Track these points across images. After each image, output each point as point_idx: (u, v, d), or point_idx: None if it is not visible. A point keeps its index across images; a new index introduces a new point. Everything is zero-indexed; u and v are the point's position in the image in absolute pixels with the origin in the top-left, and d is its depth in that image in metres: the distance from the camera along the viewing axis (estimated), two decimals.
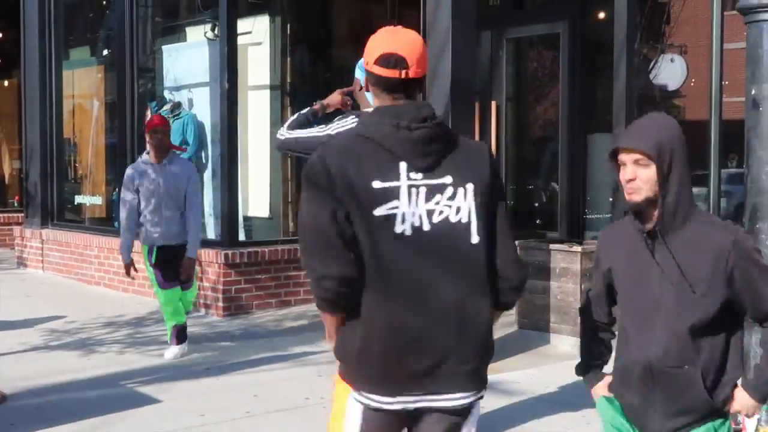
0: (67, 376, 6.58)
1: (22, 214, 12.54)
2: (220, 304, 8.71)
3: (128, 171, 7.19)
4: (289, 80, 10.67)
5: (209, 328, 8.21)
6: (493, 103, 9.05)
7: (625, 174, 2.88)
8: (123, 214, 7.15)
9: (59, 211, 11.61)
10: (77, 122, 12.17)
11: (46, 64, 11.52)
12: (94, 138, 11.84)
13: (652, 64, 9.09)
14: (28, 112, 11.82)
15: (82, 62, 12.23)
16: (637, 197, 2.86)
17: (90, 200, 11.75)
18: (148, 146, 7.08)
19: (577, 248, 7.39)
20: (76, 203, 11.88)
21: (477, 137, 7.73)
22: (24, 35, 11.87)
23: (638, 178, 2.85)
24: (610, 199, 8.37)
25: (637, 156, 2.84)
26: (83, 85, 12.11)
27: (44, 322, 8.38)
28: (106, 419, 5.56)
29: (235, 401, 5.96)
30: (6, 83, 15.79)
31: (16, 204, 14.67)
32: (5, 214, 14.19)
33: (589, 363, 3.27)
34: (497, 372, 6.80)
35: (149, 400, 6.00)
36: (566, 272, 7.42)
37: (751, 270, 2.85)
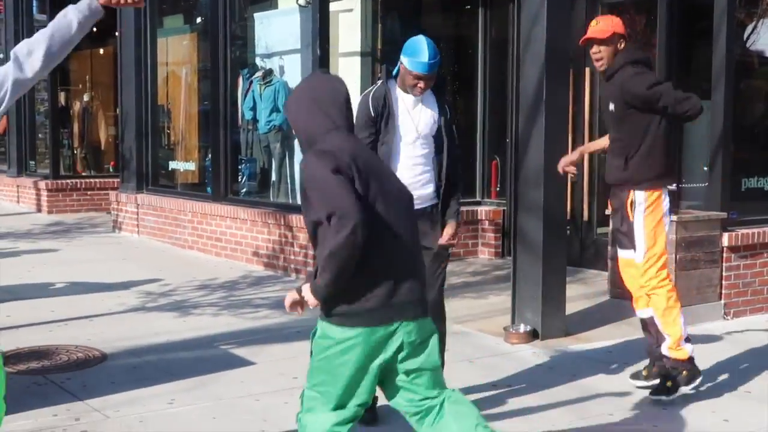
0: (163, 337, 6.74)
1: (118, 179, 12.81)
2: (310, 269, 8.80)
3: None
4: (379, 47, 10.66)
5: None
6: (587, 70, 8.89)
7: None
8: None
9: (154, 177, 11.82)
10: (171, 89, 12.35)
11: (141, 32, 11.70)
12: (187, 105, 12.02)
13: (749, 29, 8.82)
14: (123, 80, 12.04)
15: (175, 30, 12.40)
16: None
17: (183, 166, 11.95)
18: None
19: (673, 217, 7.24)
20: (170, 169, 12.09)
21: (571, 105, 7.60)
22: None
23: None
24: (705, 168, 8.18)
25: None
26: (177, 53, 12.28)
27: (140, 284, 8.58)
28: (201, 380, 5.68)
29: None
30: (102, 52, 16.10)
31: (111, 169, 14.99)
32: (101, 179, 14.51)
33: None
34: (588, 341, 6.76)
35: (243, 362, 6.10)
36: None
37: None
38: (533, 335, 6.71)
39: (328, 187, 3.28)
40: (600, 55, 5.44)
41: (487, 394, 5.52)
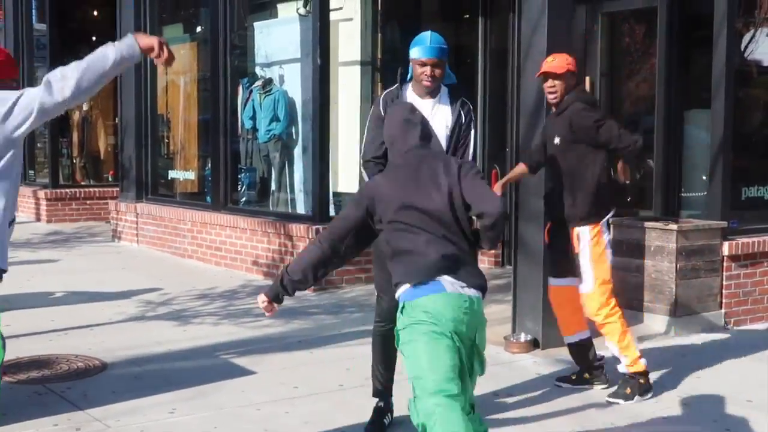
0: (163, 346, 6.73)
1: (117, 189, 12.80)
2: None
3: None
4: (379, 56, 10.67)
5: (300, 302, 8.29)
6: (587, 79, 8.89)
7: None
8: None
9: (153, 186, 11.82)
10: (170, 98, 12.35)
11: None
12: (187, 114, 12.02)
13: (747, 38, 8.84)
14: (123, 89, 12.04)
15: (175, 39, 12.38)
16: None
17: (183, 175, 11.94)
18: None
19: (673, 226, 7.26)
20: (169, 178, 12.09)
21: None
22: (119, 12, 12.07)
23: None
24: (704, 177, 8.18)
25: None
26: (176, 62, 12.24)
27: (140, 293, 8.57)
28: (201, 389, 5.67)
29: (328, 374, 6.02)
30: None
31: (111, 179, 14.97)
32: (101, 189, 14.50)
33: None
34: None
35: (244, 372, 6.09)
36: (661, 251, 7.29)
37: None
38: (534, 344, 6.70)
39: None
40: (555, 89, 5.73)
41: (488, 402, 5.51)
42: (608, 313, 5.66)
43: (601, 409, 5.47)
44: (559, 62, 5.74)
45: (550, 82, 5.73)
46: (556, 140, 5.74)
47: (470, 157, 5.03)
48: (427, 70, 4.87)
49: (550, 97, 5.78)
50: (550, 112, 6.09)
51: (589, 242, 5.64)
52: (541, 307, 6.69)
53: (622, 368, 5.70)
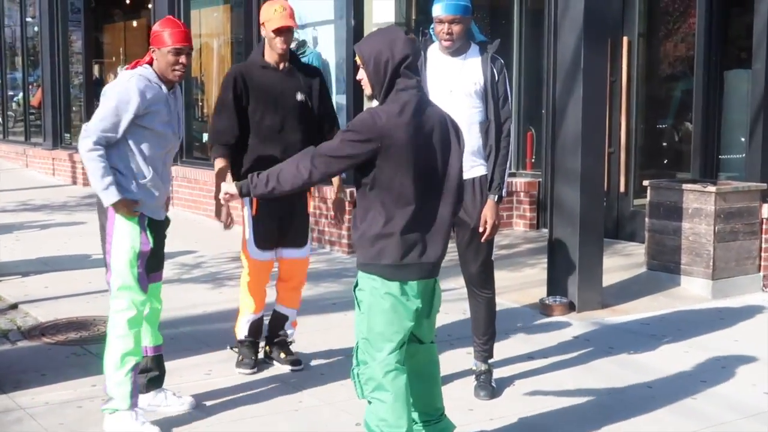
0: (199, 308, 6.77)
1: None
2: (344, 241, 8.79)
3: None
4: (414, 17, 10.58)
5: (334, 264, 8.30)
6: (625, 39, 8.76)
7: None
8: None
9: (188, 149, 11.84)
10: (204, 61, 12.35)
11: (175, 4, 11.68)
12: (219, 77, 12.00)
13: None
14: None
15: (208, 2, 12.37)
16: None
17: None
18: None
19: (712, 188, 7.17)
20: (203, 141, 12.10)
21: (608, 74, 7.49)
22: None
23: None
24: (743, 139, 8.07)
25: None
26: (210, 25, 12.26)
27: (175, 256, 8.59)
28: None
29: (344, 337, 6.00)
30: (135, 24, 16.13)
31: None
32: None
33: None
34: (625, 313, 6.71)
35: None
36: (699, 213, 7.21)
37: None
38: (570, 307, 6.66)
39: None
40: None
41: (523, 364, 5.50)
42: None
43: (636, 371, 5.42)
44: None
45: None
46: None
47: (509, 113, 4.90)
48: (445, 27, 4.75)
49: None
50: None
51: None
52: (577, 269, 6.66)
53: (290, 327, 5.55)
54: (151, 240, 4.56)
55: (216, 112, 5.33)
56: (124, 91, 4.36)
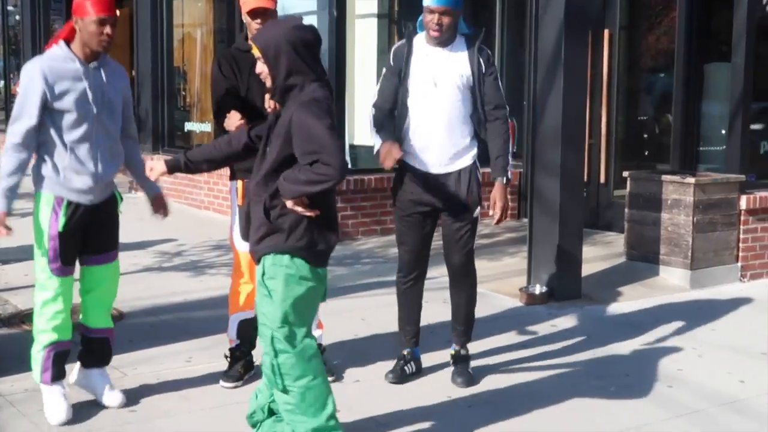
0: (179, 296, 6.77)
1: None
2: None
3: None
4: (396, 8, 10.59)
5: None
6: (606, 32, 8.81)
7: None
8: None
9: (170, 138, 11.83)
10: (186, 51, 12.31)
11: None
12: (203, 66, 11.98)
13: None
14: (139, 41, 12.01)
15: None
16: None
17: (199, 127, 11.92)
18: None
19: (691, 180, 7.22)
20: (185, 130, 12.08)
21: (589, 67, 7.53)
22: None
23: None
24: (723, 132, 8.12)
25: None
26: (192, 14, 12.23)
27: (156, 244, 8.60)
28: (217, 338, 5.68)
29: (344, 324, 6.04)
30: (118, 13, 16.03)
31: None
32: None
33: None
34: (604, 302, 6.76)
35: None
36: (678, 204, 7.27)
37: None
38: (549, 296, 6.71)
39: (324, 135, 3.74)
40: None
41: (502, 353, 5.53)
42: None
43: (615, 360, 5.47)
44: None
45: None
46: None
47: (503, 100, 4.92)
48: (435, 18, 4.77)
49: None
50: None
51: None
52: (556, 258, 6.70)
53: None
54: (61, 223, 4.43)
55: (211, 92, 5.14)
56: (28, 79, 4.27)
